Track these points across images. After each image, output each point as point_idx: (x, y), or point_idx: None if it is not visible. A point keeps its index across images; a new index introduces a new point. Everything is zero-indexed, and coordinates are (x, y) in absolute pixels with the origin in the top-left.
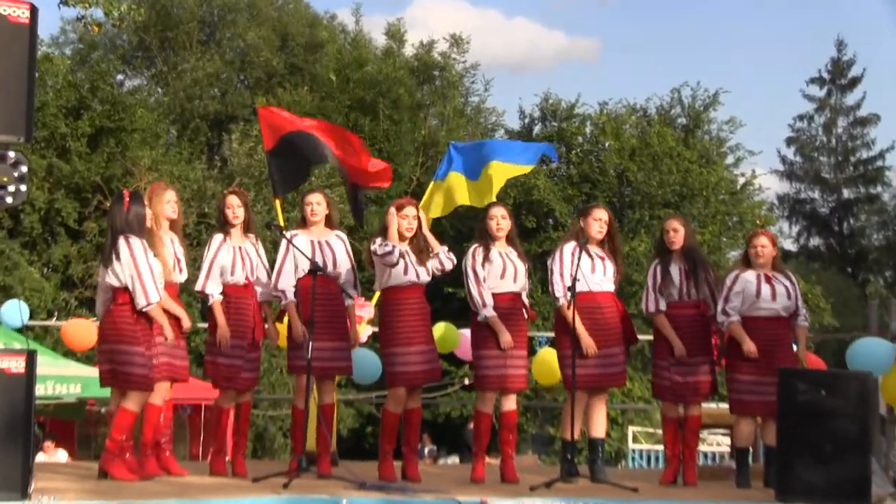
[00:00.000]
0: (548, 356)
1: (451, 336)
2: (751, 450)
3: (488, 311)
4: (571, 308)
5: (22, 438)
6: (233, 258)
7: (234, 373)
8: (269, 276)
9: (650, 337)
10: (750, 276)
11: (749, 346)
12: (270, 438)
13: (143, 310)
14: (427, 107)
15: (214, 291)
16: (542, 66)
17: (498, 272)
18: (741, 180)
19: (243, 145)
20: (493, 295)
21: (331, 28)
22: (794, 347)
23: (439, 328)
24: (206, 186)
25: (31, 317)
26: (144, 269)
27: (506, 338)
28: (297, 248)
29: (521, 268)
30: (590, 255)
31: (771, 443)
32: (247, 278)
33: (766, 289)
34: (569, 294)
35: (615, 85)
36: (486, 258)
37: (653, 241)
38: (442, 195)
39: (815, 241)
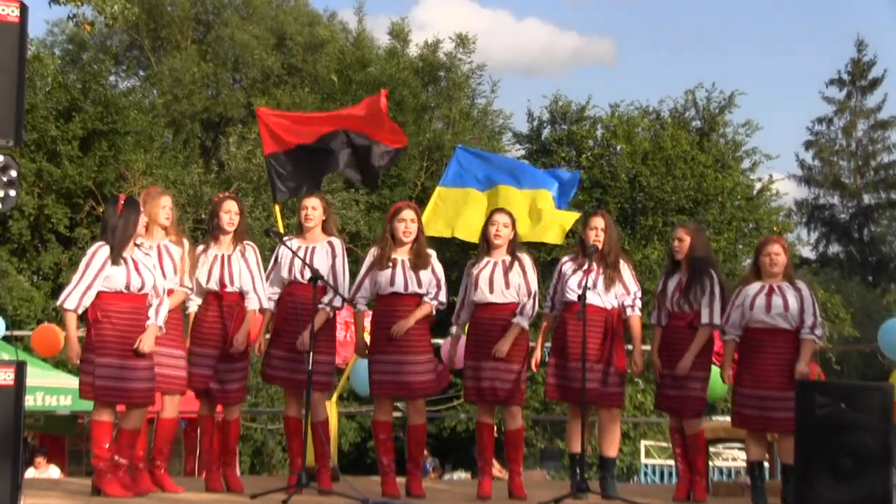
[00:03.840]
0: None
1: None
2: (767, 465)
3: (452, 329)
4: (560, 320)
5: (11, 452)
6: (209, 266)
7: (201, 383)
8: (259, 286)
9: None
10: (751, 289)
11: (726, 373)
12: (269, 453)
13: (58, 307)
14: (432, 109)
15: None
16: (556, 68)
17: (485, 283)
18: (758, 185)
19: (241, 149)
20: (484, 306)
21: (331, 27)
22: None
23: None
24: (202, 191)
25: (21, 327)
26: (80, 272)
27: (450, 357)
28: (295, 254)
29: (517, 279)
30: (579, 265)
31: (786, 459)
32: (223, 286)
33: (761, 301)
34: (546, 308)
35: (633, 88)
36: (472, 270)
37: (665, 248)
38: (453, 213)
39: (834, 249)
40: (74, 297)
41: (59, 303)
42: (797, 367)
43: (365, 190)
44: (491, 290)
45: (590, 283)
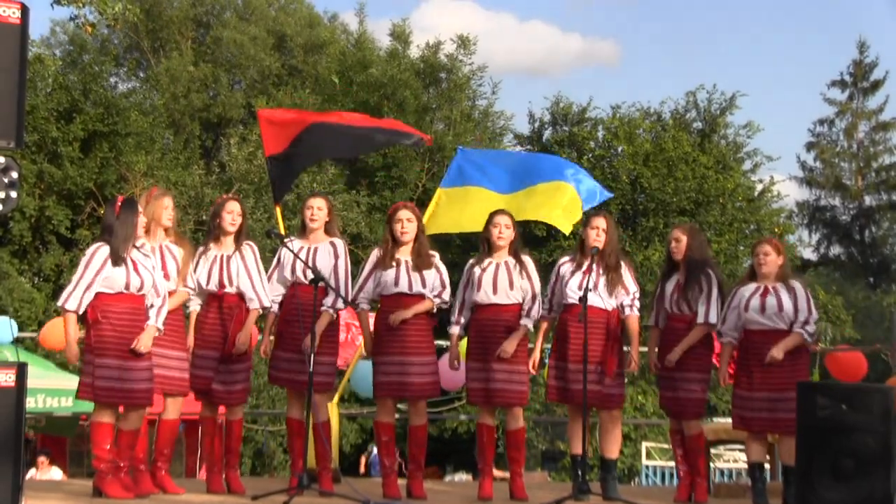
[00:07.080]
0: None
1: None
2: (768, 467)
3: (451, 329)
4: (563, 321)
5: (12, 453)
6: (209, 267)
7: (203, 384)
8: (259, 286)
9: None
10: (746, 290)
11: (721, 373)
12: (270, 454)
13: (59, 307)
14: (433, 110)
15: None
16: (559, 70)
17: (488, 284)
18: (759, 187)
19: (242, 150)
20: (486, 307)
21: (332, 29)
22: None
23: None
24: (203, 193)
25: (21, 328)
26: (79, 273)
27: (451, 358)
28: (296, 255)
29: (521, 280)
30: (578, 266)
31: (787, 461)
32: (221, 287)
33: (755, 302)
34: (543, 309)
35: (636, 89)
36: (474, 270)
37: (665, 249)
38: (457, 210)
39: (835, 250)
40: (75, 298)
41: (59, 303)
42: (771, 352)
43: (366, 191)
44: (495, 291)
45: (590, 285)
